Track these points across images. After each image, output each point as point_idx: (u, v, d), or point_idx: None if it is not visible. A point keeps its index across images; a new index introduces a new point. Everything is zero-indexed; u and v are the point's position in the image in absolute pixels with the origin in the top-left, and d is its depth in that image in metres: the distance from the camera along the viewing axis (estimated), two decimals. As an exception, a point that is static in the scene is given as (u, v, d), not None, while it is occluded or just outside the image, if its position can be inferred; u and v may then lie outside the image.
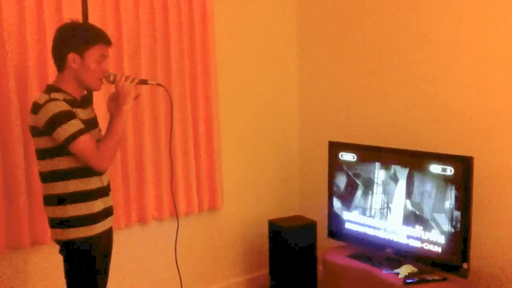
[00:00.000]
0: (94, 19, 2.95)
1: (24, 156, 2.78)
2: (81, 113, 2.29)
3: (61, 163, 2.23)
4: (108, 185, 2.45)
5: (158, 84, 2.59)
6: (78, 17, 2.86)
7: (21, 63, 2.78)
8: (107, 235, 2.43)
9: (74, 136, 2.16)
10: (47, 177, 2.27)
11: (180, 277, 2.86)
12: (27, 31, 2.77)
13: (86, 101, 2.42)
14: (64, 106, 2.17)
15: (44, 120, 2.16)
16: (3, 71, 2.72)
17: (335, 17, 3.70)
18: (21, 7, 2.76)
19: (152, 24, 3.22)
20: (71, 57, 2.23)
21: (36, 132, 2.23)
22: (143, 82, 2.44)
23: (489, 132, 2.84)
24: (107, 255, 2.48)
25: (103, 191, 2.38)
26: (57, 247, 2.36)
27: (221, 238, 3.74)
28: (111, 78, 2.33)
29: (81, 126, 2.20)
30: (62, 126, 2.14)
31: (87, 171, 2.27)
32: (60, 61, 2.27)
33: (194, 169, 3.45)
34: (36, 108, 2.19)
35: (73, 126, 2.16)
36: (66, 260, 2.32)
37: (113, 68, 3.05)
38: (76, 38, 2.25)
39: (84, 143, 2.18)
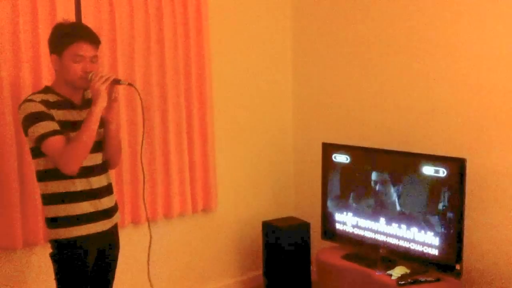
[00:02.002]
0: (87, 20, 2.94)
1: (17, 156, 2.77)
2: (63, 115, 2.26)
3: (40, 164, 2.27)
4: (101, 188, 2.39)
5: (129, 84, 2.45)
6: (71, 17, 2.87)
7: (15, 63, 2.77)
8: (100, 238, 2.39)
9: (42, 137, 2.17)
10: (36, 175, 2.34)
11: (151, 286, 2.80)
12: (20, 31, 2.75)
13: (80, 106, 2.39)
14: (35, 108, 2.19)
15: (20, 121, 2.24)
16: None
17: (329, 19, 3.70)
18: (15, 7, 2.74)
19: (146, 23, 3.21)
20: (52, 58, 2.28)
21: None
22: (116, 82, 2.34)
23: (482, 133, 2.85)
24: (99, 258, 2.43)
25: (91, 194, 2.34)
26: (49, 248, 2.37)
27: (215, 239, 3.74)
28: (89, 78, 2.27)
29: (52, 127, 2.19)
30: (32, 127, 2.18)
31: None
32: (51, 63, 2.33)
33: (188, 170, 3.45)
34: (18, 108, 2.27)
35: (42, 127, 2.17)
36: (53, 261, 2.33)
37: (107, 69, 3.05)
38: (55, 39, 2.28)
39: (51, 145, 2.17)
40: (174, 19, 3.32)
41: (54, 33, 2.30)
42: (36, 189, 2.57)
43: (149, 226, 2.68)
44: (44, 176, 2.28)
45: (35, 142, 2.21)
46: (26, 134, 2.23)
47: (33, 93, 2.30)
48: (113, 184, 3.09)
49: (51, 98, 2.26)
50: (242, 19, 3.76)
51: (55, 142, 2.18)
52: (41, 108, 2.20)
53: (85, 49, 2.26)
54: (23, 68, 2.77)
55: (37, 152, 2.26)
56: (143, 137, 2.74)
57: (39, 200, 2.49)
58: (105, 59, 3.02)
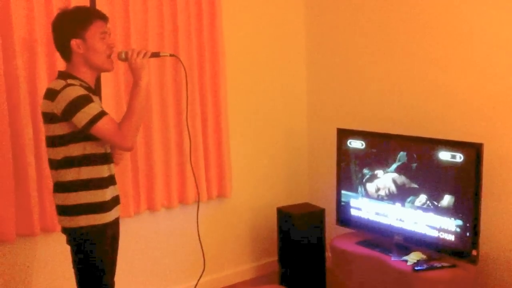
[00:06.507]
0: (101, 8, 2.94)
1: (34, 142, 2.80)
2: (96, 100, 2.27)
3: (76, 150, 2.21)
4: (114, 174, 2.41)
5: (171, 55, 2.51)
6: (86, 5, 2.87)
7: (30, 49, 2.79)
8: (115, 224, 2.42)
9: (95, 119, 2.14)
10: (60, 163, 2.24)
11: (204, 259, 2.92)
12: (35, 18, 2.77)
13: (95, 92, 2.41)
14: (82, 91, 2.15)
15: (62, 105, 2.13)
16: (11, 55, 2.73)
17: (344, 4, 3.67)
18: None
19: (160, 19, 3.21)
20: (74, 43, 2.21)
21: (51, 118, 2.19)
22: (155, 55, 2.37)
23: (499, 118, 2.82)
24: (115, 245, 2.46)
25: (113, 180, 2.37)
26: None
27: (230, 226, 3.76)
28: (123, 56, 2.29)
29: (100, 108, 2.19)
30: (82, 109, 2.13)
31: (99, 159, 2.27)
32: (65, 52, 2.25)
33: (202, 157, 3.46)
34: (53, 94, 2.15)
35: (93, 109, 2.15)
36: (74, 249, 2.30)
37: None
38: (71, 24, 2.22)
39: (105, 124, 2.17)
40: (188, 16, 3.32)
41: (65, 19, 2.24)
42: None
43: (198, 199, 2.88)
44: (80, 161, 2.22)
45: (84, 124, 2.14)
46: (69, 119, 2.14)
47: (64, 78, 2.20)
48: (128, 172, 3.17)
49: (81, 83, 2.22)
50: (256, 6, 3.73)
51: (110, 122, 2.19)
52: (85, 91, 2.17)
53: (105, 26, 2.27)
54: (38, 54, 2.79)
55: (77, 137, 2.19)
56: (187, 109, 2.89)
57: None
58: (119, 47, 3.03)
